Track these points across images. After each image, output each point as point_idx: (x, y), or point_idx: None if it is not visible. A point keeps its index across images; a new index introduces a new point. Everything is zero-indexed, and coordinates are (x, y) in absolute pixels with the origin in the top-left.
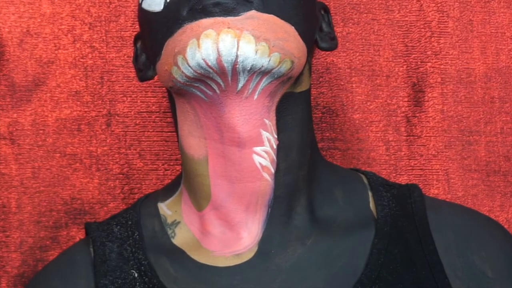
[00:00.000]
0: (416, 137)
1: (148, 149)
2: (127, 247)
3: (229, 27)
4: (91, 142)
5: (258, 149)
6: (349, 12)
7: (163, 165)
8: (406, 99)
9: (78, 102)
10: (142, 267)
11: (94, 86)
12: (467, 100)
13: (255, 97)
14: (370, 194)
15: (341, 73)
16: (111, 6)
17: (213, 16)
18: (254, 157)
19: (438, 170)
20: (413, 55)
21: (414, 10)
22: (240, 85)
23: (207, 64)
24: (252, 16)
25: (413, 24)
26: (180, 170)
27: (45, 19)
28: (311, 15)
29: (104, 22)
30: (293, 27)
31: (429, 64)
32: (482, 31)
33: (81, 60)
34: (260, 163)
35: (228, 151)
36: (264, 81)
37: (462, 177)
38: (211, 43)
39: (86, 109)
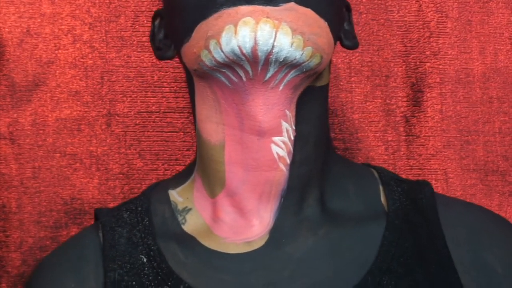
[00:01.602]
0: (415, 137)
1: (148, 149)
2: (136, 232)
3: (268, 17)
4: (91, 142)
5: (276, 139)
6: None
7: (163, 165)
8: (405, 99)
9: (78, 102)
10: (151, 252)
11: (94, 86)
12: (465, 100)
13: (280, 88)
14: (381, 188)
15: (341, 73)
16: (111, 6)
17: (253, 3)
18: (272, 147)
19: (436, 170)
20: (412, 55)
21: (413, 10)
22: (268, 75)
23: (241, 52)
24: (291, 8)
25: (412, 24)
26: (180, 170)
27: (45, 19)
28: (340, 13)
29: (104, 22)
30: (326, 23)
31: (428, 64)
32: (480, 31)
33: (81, 60)
34: (277, 153)
35: (246, 138)
36: (292, 74)
37: (461, 177)
38: (249, 31)
39: (86, 109)
